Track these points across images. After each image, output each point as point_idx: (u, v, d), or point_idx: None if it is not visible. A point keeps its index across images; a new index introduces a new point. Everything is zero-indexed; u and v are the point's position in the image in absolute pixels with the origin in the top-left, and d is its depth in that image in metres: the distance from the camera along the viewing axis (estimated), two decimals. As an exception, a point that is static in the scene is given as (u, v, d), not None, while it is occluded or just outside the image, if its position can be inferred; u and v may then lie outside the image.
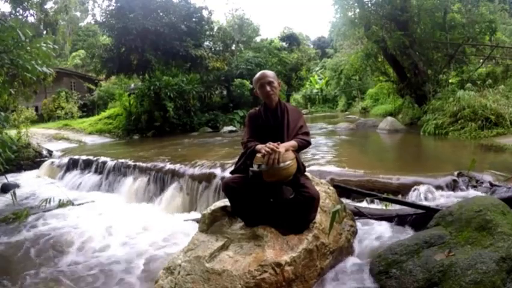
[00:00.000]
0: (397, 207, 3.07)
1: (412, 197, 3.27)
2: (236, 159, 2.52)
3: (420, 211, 2.81)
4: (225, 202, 2.60)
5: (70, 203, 5.00)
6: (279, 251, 2.12)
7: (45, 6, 11.16)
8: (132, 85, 18.85)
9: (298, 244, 2.19)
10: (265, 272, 1.99)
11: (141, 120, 12.89)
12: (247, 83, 14.90)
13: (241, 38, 21.70)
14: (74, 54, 28.46)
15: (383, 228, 2.84)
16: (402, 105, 12.61)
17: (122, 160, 6.12)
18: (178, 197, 4.72)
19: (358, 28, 12.07)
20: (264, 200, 2.33)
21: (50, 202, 4.77)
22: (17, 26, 3.56)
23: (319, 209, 2.40)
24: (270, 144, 2.11)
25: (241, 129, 12.94)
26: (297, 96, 32.45)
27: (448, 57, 10.27)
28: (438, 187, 3.36)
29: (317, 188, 2.48)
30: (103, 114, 15.89)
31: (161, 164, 5.40)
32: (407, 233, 2.69)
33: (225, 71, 15.76)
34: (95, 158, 6.69)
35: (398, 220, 2.90)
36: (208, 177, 4.54)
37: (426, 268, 1.99)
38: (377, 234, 2.78)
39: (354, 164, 4.63)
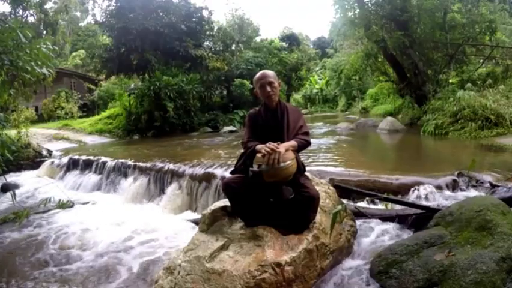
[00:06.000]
0: (397, 207, 3.07)
1: (412, 197, 3.27)
2: (236, 159, 2.52)
3: (420, 211, 2.81)
4: (225, 202, 2.60)
5: (70, 203, 5.00)
6: (279, 251, 2.12)
7: (45, 6, 11.14)
8: (132, 85, 18.84)
9: (298, 244, 2.19)
10: (265, 272, 1.99)
11: (141, 120, 12.88)
12: (247, 83, 14.90)
13: (241, 38, 21.67)
14: (74, 54, 28.43)
15: (383, 228, 2.84)
16: (402, 105, 12.62)
17: (122, 160, 6.12)
18: (178, 197, 4.72)
19: (358, 28, 12.08)
20: (264, 200, 2.33)
21: (50, 202, 4.77)
22: (17, 27, 3.56)
23: (319, 209, 2.40)
24: (270, 144, 2.11)
25: (241, 129, 12.94)
26: (297, 96, 32.50)
27: (448, 57, 10.28)
28: (439, 187, 3.36)
29: (317, 188, 2.48)
30: (103, 114, 15.86)
31: (161, 164, 5.40)
32: (407, 233, 2.69)
33: (225, 71, 15.75)
34: (95, 158, 6.69)
35: (398, 220, 2.90)
36: (208, 177, 4.54)
37: (426, 268, 1.99)
38: (377, 234, 2.78)
39: (354, 164, 4.63)
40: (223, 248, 2.23)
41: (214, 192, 4.33)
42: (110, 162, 6.20)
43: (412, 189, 3.34)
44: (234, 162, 2.60)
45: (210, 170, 4.67)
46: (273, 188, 2.26)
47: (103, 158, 6.55)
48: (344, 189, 3.25)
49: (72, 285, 2.68)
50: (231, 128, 13.08)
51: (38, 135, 11.11)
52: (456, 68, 11.15)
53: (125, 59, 14.43)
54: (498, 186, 3.10)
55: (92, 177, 6.28)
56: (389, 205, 3.16)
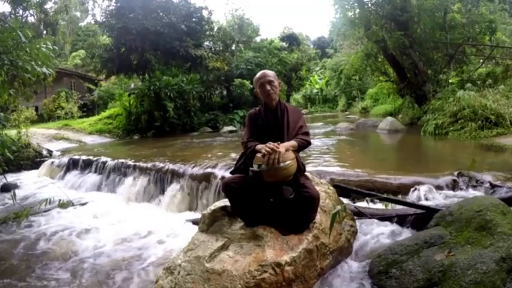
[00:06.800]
0: (397, 207, 3.07)
1: (412, 197, 3.27)
2: (236, 159, 2.53)
3: (420, 211, 2.81)
4: (225, 202, 2.60)
5: (70, 203, 5.00)
6: (279, 251, 2.12)
7: (45, 6, 11.17)
8: (132, 85, 18.83)
9: (298, 244, 2.19)
10: (265, 272, 1.99)
11: (141, 120, 12.88)
12: (247, 83, 14.90)
13: (241, 38, 21.68)
14: (74, 54, 28.42)
15: (383, 228, 2.84)
16: (402, 105, 12.62)
17: (122, 160, 6.11)
18: (178, 197, 4.72)
19: (358, 28, 12.09)
20: (264, 200, 2.33)
21: (50, 202, 4.75)
22: (17, 27, 3.56)
23: (319, 209, 2.40)
24: (270, 144, 2.11)
25: (241, 129, 12.94)
26: (297, 96, 32.48)
27: (448, 57, 10.27)
28: (438, 187, 3.36)
29: (317, 188, 2.48)
30: (103, 114, 15.87)
31: (161, 164, 5.40)
32: (407, 233, 2.69)
33: (225, 71, 15.75)
34: (95, 158, 6.69)
35: (398, 220, 2.90)
36: (208, 177, 4.54)
37: (426, 268, 1.99)
38: (377, 234, 2.78)
39: (354, 164, 4.63)
40: (223, 248, 2.23)
41: (214, 192, 4.33)
42: (110, 162, 6.20)
43: (412, 189, 3.33)
44: (234, 162, 2.60)
45: (210, 170, 4.67)
46: (273, 188, 2.26)
47: (103, 158, 6.55)
48: (344, 189, 3.25)
49: (71, 285, 2.68)
50: (231, 128, 13.08)
51: (38, 135, 11.11)
52: (456, 68, 11.15)
53: (125, 59, 14.43)
54: (498, 186, 3.10)
55: (92, 177, 6.28)
56: (389, 205, 3.16)
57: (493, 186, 3.15)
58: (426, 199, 3.18)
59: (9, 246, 3.55)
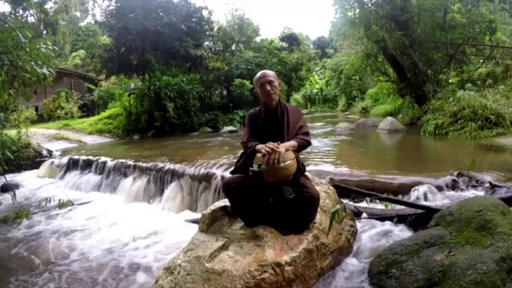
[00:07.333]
0: (397, 207, 3.07)
1: (412, 197, 3.27)
2: (236, 159, 2.53)
3: (420, 211, 2.81)
4: (225, 202, 2.60)
5: (70, 203, 5.00)
6: (279, 251, 2.12)
7: (45, 6, 11.17)
8: (132, 85, 18.82)
9: (298, 244, 2.19)
10: (265, 272, 1.99)
11: (141, 120, 12.88)
12: (247, 83, 14.90)
13: (241, 38, 21.69)
14: (74, 54, 28.43)
15: (383, 228, 2.84)
16: (402, 105, 12.62)
17: (122, 160, 6.12)
18: (178, 197, 4.72)
19: (358, 28, 12.10)
20: (264, 200, 2.33)
21: (50, 202, 4.77)
22: (17, 27, 3.56)
23: (319, 209, 2.40)
24: (270, 144, 2.11)
25: (241, 129, 12.94)
26: (297, 96, 32.48)
27: (448, 57, 10.28)
28: (438, 187, 3.36)
29: (317, 188, 2.48)
30: (103, 114, 15.86)
31: (161, 164, 5.40)
32: (407, 233, 2.69)
33: (225, 71, 15.74)
34: (95, 158, 6.69)
35: (398, 220, 2.90)
36: (208, 177, 4.54)
37: (426, 268, 1.99)
38: (377, 234, 2.78)
39: (354, 164, 4.63)
40: (223, 248, 2.23)
41: (214, 192, 4.33)
42: (110, 162, 6.20)
43: (412, 189, 3.34)
44: (234, 161, 2.60)
45: (210, 170, 4.67)
46: (273, 188, 2.26)
47: (103, 158, 6.56)
48: (344, 189, 3.25)
49: (70, 286, 2.68)
50: (231, 128, 13.08)
51: (38, 135, 11.11)
52: (456, 68, 11.15)
53: (125, 59, 14.43)
54: (498, 186, 3.10)
55: (92, 177, 6.28)
56: (389, 205, 3.16)
57: (493, 186, 3.15)
58: (427, 199, 3.19)
59: (7, 247, 3.55)
